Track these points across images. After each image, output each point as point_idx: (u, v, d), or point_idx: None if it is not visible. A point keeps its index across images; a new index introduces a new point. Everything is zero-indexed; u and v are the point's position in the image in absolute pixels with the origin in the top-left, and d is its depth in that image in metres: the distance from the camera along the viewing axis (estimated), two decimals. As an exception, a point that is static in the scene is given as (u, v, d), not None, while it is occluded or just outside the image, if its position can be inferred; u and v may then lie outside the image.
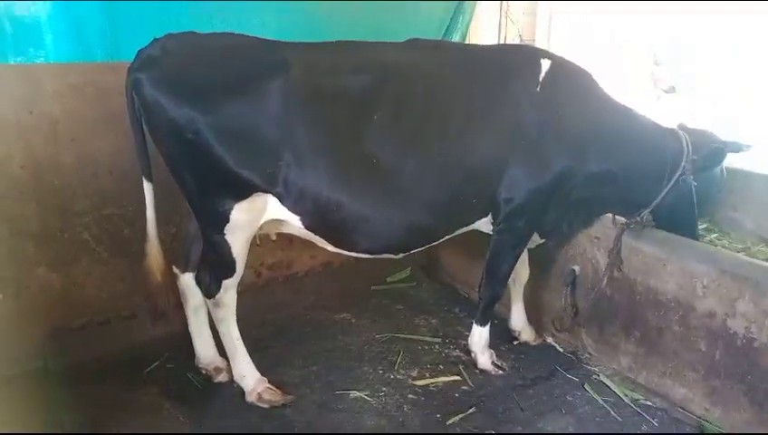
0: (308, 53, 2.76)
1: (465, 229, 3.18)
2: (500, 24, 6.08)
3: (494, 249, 3.23)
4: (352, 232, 2.82)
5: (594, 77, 3.23)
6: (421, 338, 3.76)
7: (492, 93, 2.95)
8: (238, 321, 3.07)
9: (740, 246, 3.65)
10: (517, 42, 5.13)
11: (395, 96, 2.76)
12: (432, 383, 3.32)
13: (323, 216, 2.76)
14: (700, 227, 3.86)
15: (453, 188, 2.88)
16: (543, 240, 3.45)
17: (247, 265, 3.01)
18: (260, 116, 2.58)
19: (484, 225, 3.20)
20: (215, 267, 2.90)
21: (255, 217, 2.78)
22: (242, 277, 2.99)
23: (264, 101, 2.57)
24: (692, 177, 3.23)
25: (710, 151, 3.25)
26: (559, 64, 3.11)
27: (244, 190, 2.67)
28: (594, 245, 3.52)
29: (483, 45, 3.50)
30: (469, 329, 3.63)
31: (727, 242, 3.68)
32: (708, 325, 2.97)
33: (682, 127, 3.47)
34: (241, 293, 3.08)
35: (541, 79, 3.01)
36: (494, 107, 2.93)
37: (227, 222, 2.71)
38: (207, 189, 2.69)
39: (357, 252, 2.97)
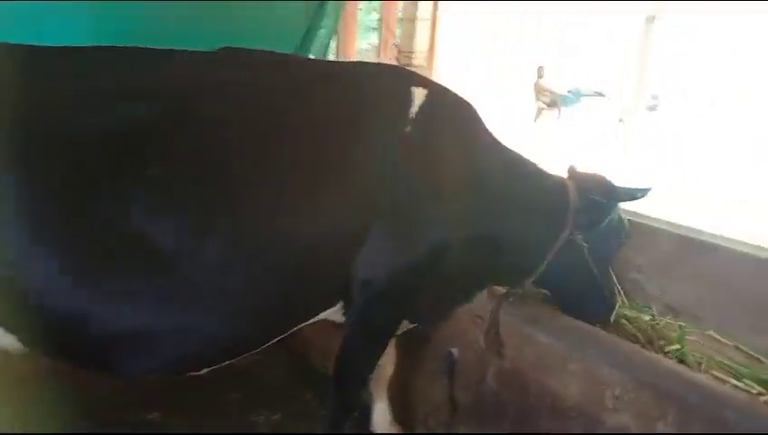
0: (37, 65, 1.71)
1: (302, 326, 2.25)
2: (380, 31, 5.22)
3: (347, 347, 2.34)
4: (114, 354, 1.80)
5: (478, 111, 2.44)
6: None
7: (342, 134, 2.05)
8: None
9: (647, 318, 3.03)
10: (394, 56, 4.27)
11: (187, 140, 1.78)
12: None
13: (60, 334, 1.72)
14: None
15: (280, 275, 1.94)
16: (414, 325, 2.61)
17: None
18: None
19: (334, 314, 2.29)
20: None
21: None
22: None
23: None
24: (580, 236, 2.55)
25: (587, 205, 2.54)
26: (437, 94, 2.27)
27: None
28: (477, 325, 2.74)
29: (333, 63, 2.55)
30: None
31: (632, 312, 3.04)
32: (620, 447, 2.27)
33: (571, 172, 2.77)
34: None
35: (412, 114, 2.16)
36: (344, 154, 2.03)
37: None
38: None
39: (125, 378, 1.96)
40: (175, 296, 1.78)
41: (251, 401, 3.15)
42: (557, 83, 11.59)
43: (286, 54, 2.21)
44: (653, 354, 2.54)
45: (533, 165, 2.61)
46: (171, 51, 1.94)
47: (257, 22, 3.40)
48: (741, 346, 2.85)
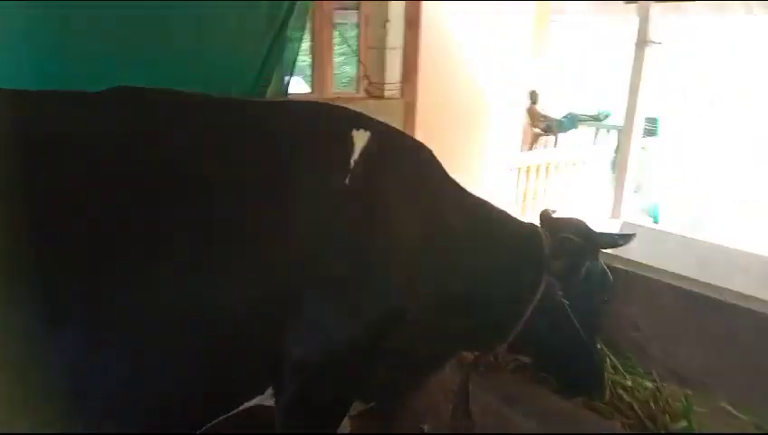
0: None
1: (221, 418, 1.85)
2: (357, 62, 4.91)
3: None
4: None
5: (433, 156, 2.08)
6: None
7: (262, 192, 1.68)
8: None
9: (648, 384, 2.64)
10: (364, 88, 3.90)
11: (58, 199, 1.41)
12: None
13: None
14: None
15: (178, 367, 1.55)
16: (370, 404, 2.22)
17: None
18: None
19: (265, 400, 1.90)
20: None
21: None
22: None
23: None
24: (560, 292, 2.16)
25: (560, 246, 2.17)
26: (383, 137, 1.91)
27: None
28: (449, 400, 2.36)
29: (255, 103, 2.17)
30: None
31: (629, 381, 2.64)
32: None
33: (545, 217, 2.40)
34: None
35: (352, 164, 1.80)
36: (264, 216, 1.65)
37: None
38: None
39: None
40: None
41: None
42: (552, 108, 11.27)
43: (193, 94, 1.82)
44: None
45: (501, 212, 2.24)
46: (50, 94, 1.58)
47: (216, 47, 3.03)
48: (759, 422, 2.47)
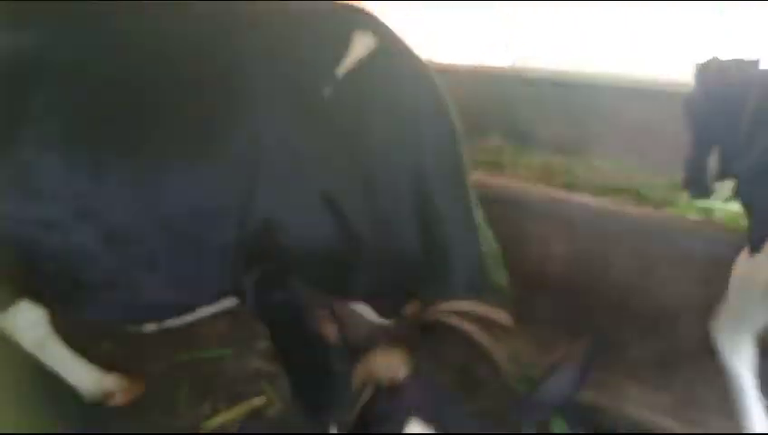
0: None
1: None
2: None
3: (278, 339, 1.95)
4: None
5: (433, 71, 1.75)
6: (207, 354, 2.89)
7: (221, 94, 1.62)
8: None
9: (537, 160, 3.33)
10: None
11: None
12: (231, 420, 2.53)
13: None
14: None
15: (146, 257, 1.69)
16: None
17: None
18: None
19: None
20: None
21: None
22: None
23: None
24: None
25: None
26: (388, 47, 1.67)
27: None
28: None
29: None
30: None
31: (523, 159, 3.35)
32: None
33: None
34: None
35: (341, 71, 1.58)
36: (227, 118, 1.61)
37: None
38: None
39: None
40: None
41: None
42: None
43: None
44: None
45: None
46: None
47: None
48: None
